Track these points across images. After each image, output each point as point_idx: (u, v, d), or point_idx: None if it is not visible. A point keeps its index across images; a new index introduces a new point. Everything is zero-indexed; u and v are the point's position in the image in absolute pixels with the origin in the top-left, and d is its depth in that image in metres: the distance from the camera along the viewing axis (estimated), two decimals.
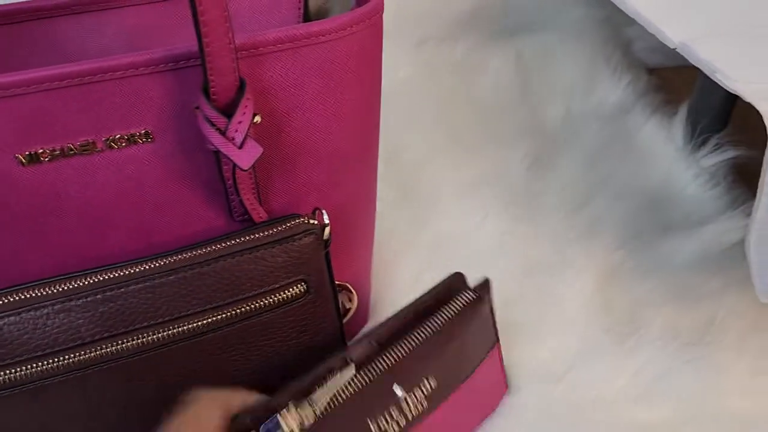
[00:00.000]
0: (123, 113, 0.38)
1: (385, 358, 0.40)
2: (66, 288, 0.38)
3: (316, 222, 0.42)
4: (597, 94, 0.77)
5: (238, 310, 0.41)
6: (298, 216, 0.42)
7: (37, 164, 0.38)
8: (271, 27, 0.49)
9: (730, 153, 0.66)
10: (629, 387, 0.50)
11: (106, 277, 0.38)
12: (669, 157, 0.68)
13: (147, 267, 0.39)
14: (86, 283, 0.38)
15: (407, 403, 0.39)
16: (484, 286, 0.46)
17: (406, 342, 0.41)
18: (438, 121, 0.75)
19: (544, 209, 0.64)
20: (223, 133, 0.37)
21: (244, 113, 0.37)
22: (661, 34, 0.51)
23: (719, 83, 0.46)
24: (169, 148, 0.40)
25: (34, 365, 0.37)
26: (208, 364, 0.42)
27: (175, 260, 0.39)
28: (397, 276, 0.58)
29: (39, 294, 0.37)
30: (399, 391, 0.39)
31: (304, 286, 0.42)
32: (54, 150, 0.38)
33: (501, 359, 0.48)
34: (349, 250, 0.50)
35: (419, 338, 0.41)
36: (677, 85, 0.67)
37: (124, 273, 0.39)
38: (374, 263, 0.55)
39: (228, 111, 0.37)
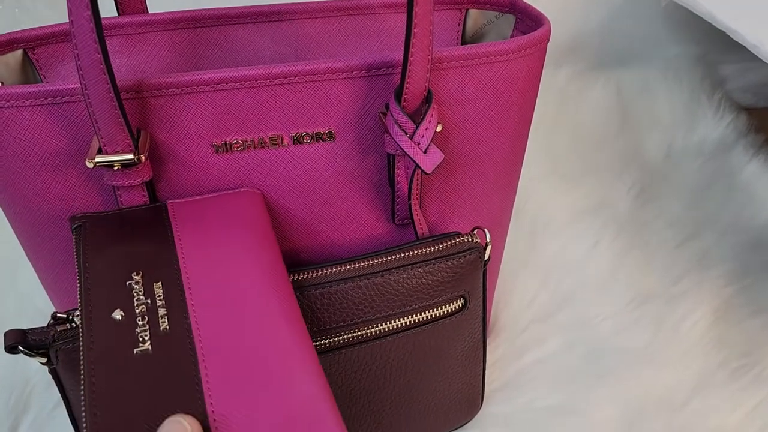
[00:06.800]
0: (313, 113, 0.40)
1: None
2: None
3: (479, 241, 0.43)
4: (698, 131, 0.78)
5: (410, 319, 0.43)
6: (460, 234, 0.43)
7: (228, 153, 0.40)
8: (437, 46, 0.51)
9: None
10: (749, 420, 0.51)
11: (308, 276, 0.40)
12: None
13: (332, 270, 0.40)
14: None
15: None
16: None
17: None
18: (541, 149, 0.76)
19: (653, 240, 0.65)
20: (410, 137, 0.39)
21: (431, 121, 0.39)
22: (736, 34, 0.51)
23: None
24: (347, 148, 0.42)
25: None
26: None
27: (357, 267, 0.40)
28: (515, 298, 0.60)
29: None
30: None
31: (462, 302, 0.44)
32: (246, 141, 0.40)
33: None
34: None
35: None
36: None
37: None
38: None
39: (414, 118, 0.39)
